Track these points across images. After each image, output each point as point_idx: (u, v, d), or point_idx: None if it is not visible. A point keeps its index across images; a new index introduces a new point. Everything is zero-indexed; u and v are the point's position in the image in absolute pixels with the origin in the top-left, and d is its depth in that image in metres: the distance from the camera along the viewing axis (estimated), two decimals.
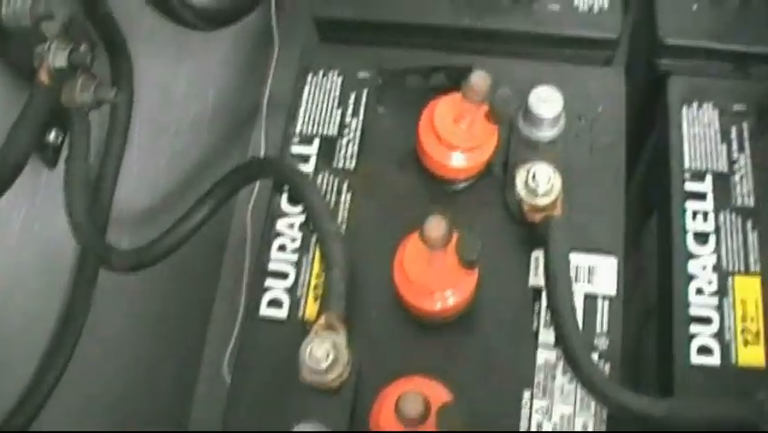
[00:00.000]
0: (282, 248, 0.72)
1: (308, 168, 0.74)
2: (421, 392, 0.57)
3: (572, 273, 0.67)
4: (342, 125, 0.76)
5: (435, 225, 0.59)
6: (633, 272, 0.75)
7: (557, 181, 0.65)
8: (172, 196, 0.96)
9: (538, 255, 0.69)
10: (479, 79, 0.65)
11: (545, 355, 0.66)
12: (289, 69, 1.20)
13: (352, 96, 0.77)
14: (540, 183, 0.65)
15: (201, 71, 1.01)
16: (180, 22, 0.80)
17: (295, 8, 1.15)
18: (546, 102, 0.68)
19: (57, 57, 0.61)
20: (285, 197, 0.73)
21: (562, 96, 0.69)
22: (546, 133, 0.70)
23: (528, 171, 0.66)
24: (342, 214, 0.72)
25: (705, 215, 0.71)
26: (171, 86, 0.94)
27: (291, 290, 0.70)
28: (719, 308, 0.68)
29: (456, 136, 0.68)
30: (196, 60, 0.98)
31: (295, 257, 0.71)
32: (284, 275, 0.70)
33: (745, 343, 0.67)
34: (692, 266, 0.69)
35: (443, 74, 0.74)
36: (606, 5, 0.80)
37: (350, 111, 0.76)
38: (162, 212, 0.93)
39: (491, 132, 0.69)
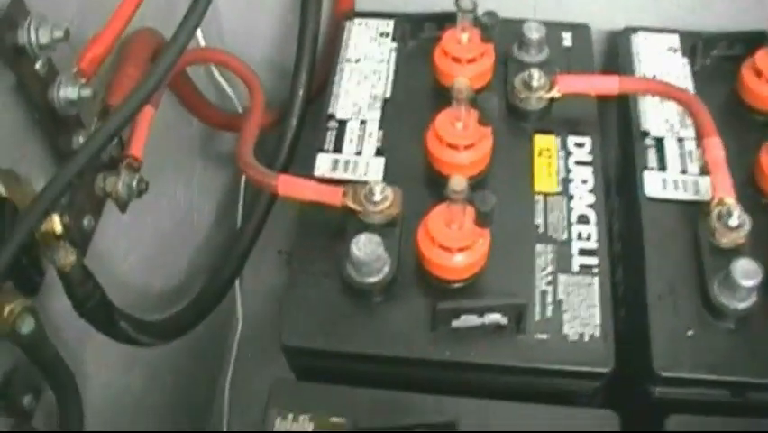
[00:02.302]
0: None
1: None
2: None
3: None
4: None
5: None
6: None
7: None
8: None
9: None
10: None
11: None
12: (253, 344, 1.16)
13: None
14: None
15: (154, 370, 0.95)
16: (123, 339, 0.76)
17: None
18: None
19: None
20: None
21: None
22: None
23: None
24: None
25: None
26: (123, 394, 0.90)
27: None
28: None
29: None
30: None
31: None
32: None
33: None
34: None
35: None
36: (597, 334, 0.75)
37: None
38: None
39: None
